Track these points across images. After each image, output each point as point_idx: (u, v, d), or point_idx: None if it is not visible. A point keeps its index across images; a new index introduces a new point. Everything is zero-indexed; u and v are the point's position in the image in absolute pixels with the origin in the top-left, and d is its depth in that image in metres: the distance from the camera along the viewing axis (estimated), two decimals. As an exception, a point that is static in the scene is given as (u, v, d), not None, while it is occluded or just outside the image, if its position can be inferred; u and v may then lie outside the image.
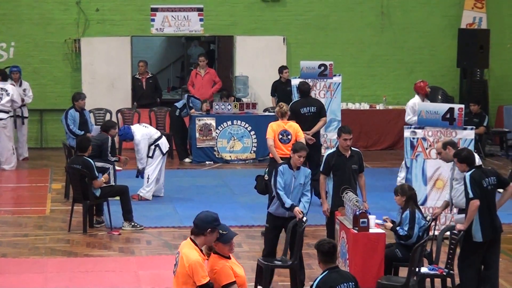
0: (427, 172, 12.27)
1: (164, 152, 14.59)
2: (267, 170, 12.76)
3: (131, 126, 14.87)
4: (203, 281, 7.14)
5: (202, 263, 7.19)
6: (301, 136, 12.82)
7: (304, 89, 14.72)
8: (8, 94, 17.04)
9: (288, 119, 13.75)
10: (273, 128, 12.74)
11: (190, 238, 7.34)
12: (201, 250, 7.31)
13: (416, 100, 14.62)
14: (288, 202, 10.18)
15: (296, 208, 10.10)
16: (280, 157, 12.57)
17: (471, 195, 9.57)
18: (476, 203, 9.56)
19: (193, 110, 18.02)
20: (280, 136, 12.69)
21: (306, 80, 16.23)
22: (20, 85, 17.86)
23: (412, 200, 10.08)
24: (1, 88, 17.11)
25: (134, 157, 14.71)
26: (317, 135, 14.42)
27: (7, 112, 17.12)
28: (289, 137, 12.70)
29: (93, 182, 12.75)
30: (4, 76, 17.39)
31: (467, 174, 9.68)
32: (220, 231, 7.31)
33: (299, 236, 10.01)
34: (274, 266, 10.16)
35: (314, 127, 14.43)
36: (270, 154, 12.81)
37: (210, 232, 7.26)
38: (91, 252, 11.87)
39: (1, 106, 17.04)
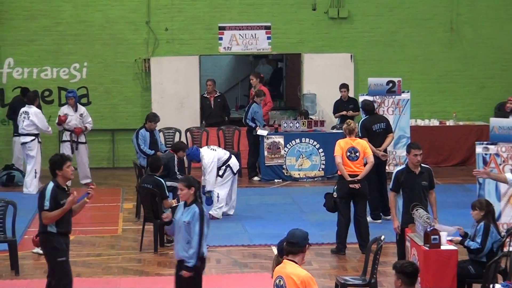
0: (500, 188, 12.08)
1: (235, 172, 14.69)
2: (335, 187, 12.74)
3: (201, 148, 14.94)
4: None
5: (312, 277, 7.20)
6: (369, 153, 12.78)
7: (371, 108, 14.81)
8: (28, 118, 16.77)
9: (360, 137, 13.73)
10: (341, 146, 12.71)
11: (287, 259, 7.30)
12: None
13: None
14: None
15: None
16: (349, 174, 12.54)
17: None
18: None
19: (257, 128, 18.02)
20: (348, 154, 12.65)
21: (372, 98, 16.20)
22: (76, 110, 17.54)
23: (491, 215, 9.95)
24: (25, 112, 16.87)
25: (201, 175, 14.82)
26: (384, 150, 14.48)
27: (31, 135, 16.83)
28: (357, 154, 12.66)
29: (164, 202, 12.86)
30: (30, 99, 17.13)
31: None
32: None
33: (376, 254, 9.93)
34: (353, 285, 10.10)
35: (384, 143, 14.47)
36: (339, 172, 12.76)
37: (308, 247, 7.28)
38: (162, 271, 11.96)
39: (23, 130, 16.83)
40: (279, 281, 7.22)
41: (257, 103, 18.22)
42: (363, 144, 12.79)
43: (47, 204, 9.33)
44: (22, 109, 17.02)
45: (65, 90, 19.44)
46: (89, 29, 19.73)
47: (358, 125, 14.23)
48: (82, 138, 17.65)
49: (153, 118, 16.05)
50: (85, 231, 14.13)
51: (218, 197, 14.63)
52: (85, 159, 17.69)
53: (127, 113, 19.89)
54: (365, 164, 12.74)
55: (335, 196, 12.65)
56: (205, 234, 9.04)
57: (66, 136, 17.63)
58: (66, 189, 9.58)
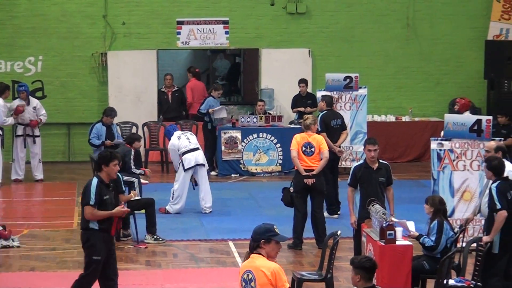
0: (454, 184, 12.21)
1: (185, 168, 14.49)
2: (292, 182, 12.77)
3: (177, 131, 14.93)
4: (287, 285, 7.15)
5: (281, 268, 7.18)
6: (324, 148, 12.77)
7: (331, 102, 14.90)
8: None
9: (319, 131, 13.76)
10: (297, 140, 12.74)
11: (254, 254, 7.27)
12: None
13: None
14: None
15: None
16: (304, 169, 12.56)
17: (498, 206, 9.59)
18: (504, 214, 9.58)
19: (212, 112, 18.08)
20: (304, 148, 12.68)
21: (329, 93, 16.28)
22: (29, 104, 17.18)
23: (441, 213, 10.06)
24: None
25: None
26: None
27: None
28: (312, 149, 12.68)
29: (120, 196, 12.75)
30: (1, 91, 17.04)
31: (493, 186, 9.70)
32: (275, 240, 7.26)
33: (332, 250, 9.97)
34: (310, 280, 10.13)
35: (339, 139, 14.60)
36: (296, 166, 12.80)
37: (265, 243, 7.22)
38: (118, 266, 11.73)
39: None
40: (247, 275, 7.21)
41: (213, 97, 18.19)
42: (318, 139, 12.80)
43: (92, 198, 9.29)
44: None
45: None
46: (45, 23, 19.55)
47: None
48: (37, 132, 17.45)
49: (109, 112, 15.97)
50: (40, 225, 14.02)
51: (173, 194, 14.57)
52: (39, 154, 17.48)
53: (83, 107, 19.75)
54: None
55: (291, 191, 12.67)
56: None
57: (19, 130, 17.38)
58: (110, 185, 9.57)
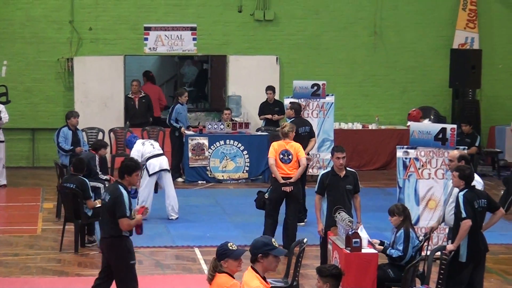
0: (419, 192, 12.27)
1: (150, 173, 14.42)
2: (269, 189, 12.76)
3: (139, 139, 14.86)
4: None
5: None
6: (302, 156, 12.77)
7: (300, 109, 14.88)
8: None
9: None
10: (275, 148, 12.75)
11: (251, 267, 7.21)
12: (264, 278, 7.18)
13: None
14: None
15: None
16: (282, 177, 12.55)
17: (464, 214, 9.62)
18: (468, 223, 9.61)
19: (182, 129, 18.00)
20: (281, 156, 12.68)
21: (297, 100, 16.28)
22: None
23: (408, 220, 10.09)
24: None
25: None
26: None
27: None
28: (290, 157, 12.68)
29: (87, 202, 12.70)
30: None
31: (461, 194, 9.74)
32: (273, 254, 7.13)
33: (298, 257, 9.97)
34: (275, 287, 10.09)
35: (308, 147, 14.55)
36: (273, 174, 12.77)
37: (262, 257, 7.13)
38: (83, 272, 11.82)
39: None
40: (242, 286, 7.18)
41: (180, 103, 18.15)
42: (296, 147, 12.79)
43: (128, 212, 9.47)
44: None
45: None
46: (9, 28, 19.41)
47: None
48: (1, 137, 17.32)
49: (70, 114, 15.97)
50: (2, 231, 13.91)
51: (138, 199, 14.50)
52: (4, 159, 17.32)
53: (48, 112, 19.61)
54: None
55: (266, 197, 12.68)
56: None
57: None
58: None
